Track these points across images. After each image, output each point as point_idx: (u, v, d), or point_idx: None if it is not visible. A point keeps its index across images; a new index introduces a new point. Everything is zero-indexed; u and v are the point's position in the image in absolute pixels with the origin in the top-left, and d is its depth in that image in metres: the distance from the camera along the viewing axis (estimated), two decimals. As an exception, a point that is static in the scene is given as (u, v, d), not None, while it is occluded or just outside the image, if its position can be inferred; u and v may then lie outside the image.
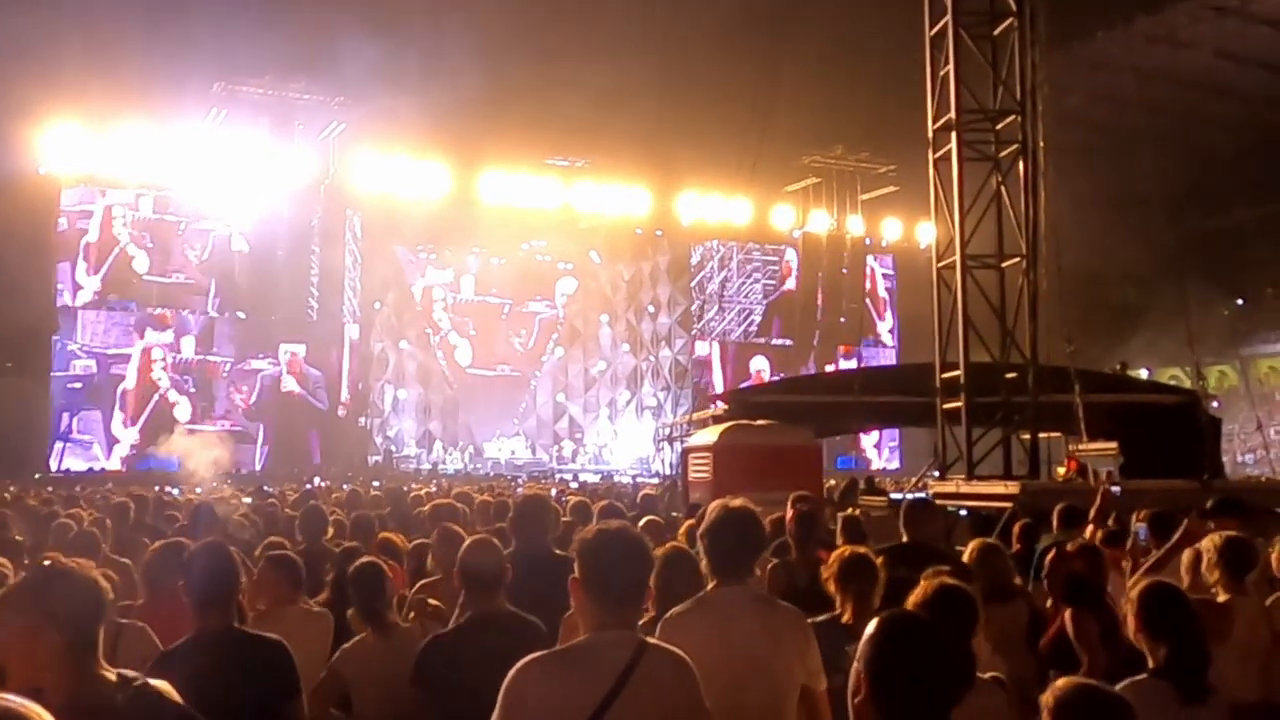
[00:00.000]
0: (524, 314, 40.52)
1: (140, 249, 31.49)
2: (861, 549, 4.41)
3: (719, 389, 36.77)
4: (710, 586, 3.69)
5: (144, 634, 4.87)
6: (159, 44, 26.69)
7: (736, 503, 3.77)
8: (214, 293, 32.35)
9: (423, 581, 5.65)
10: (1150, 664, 3.66)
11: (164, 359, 31.32)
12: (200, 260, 32.30)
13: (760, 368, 39.79)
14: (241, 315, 32.50)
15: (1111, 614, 5.23)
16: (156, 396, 31.07)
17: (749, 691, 3.49)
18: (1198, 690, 3.49)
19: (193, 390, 31.70)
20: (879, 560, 4.36)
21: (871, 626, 2.42)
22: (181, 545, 6.09)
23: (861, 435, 38.76)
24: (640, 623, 3.31)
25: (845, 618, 4.13)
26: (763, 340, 41.08)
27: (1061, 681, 2.76)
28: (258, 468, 30.61)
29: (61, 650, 2.49)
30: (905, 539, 5.97)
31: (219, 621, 3.65)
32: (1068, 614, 5.21)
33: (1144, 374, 32.44)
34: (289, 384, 32.60)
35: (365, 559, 4.94)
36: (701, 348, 40.48)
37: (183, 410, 31.32)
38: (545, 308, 41.02)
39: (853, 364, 38.94)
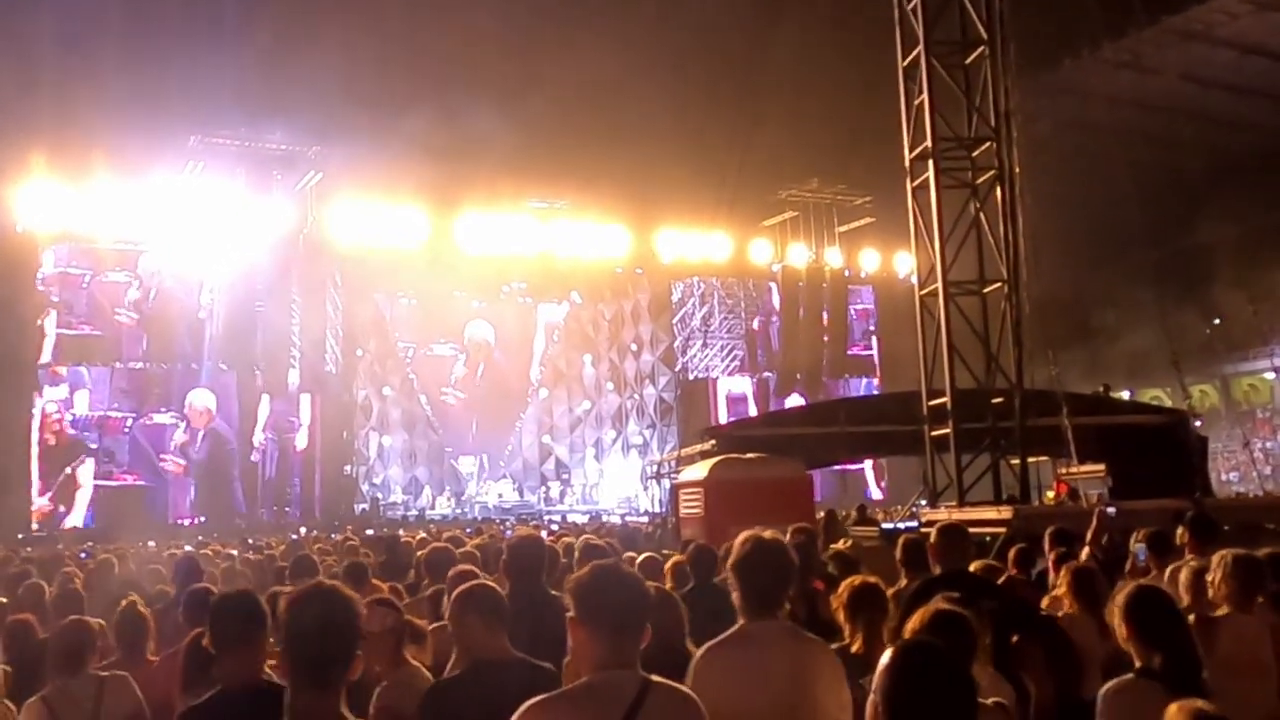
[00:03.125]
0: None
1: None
2: (872, 578, 4.35)
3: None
4: (742, 621, 3.62)
5: (126, 684, 4.78)
6: (135, 98, 26.74)
7: (768, 534, 3.70)
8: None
9: (434, 625, 5.48)
10: (1137, 664, 3.66)
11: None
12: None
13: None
14: (224, 367, 32.19)
15: (1058, 635, 5.15)
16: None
17: None
18: (1192, 693, 3.44)
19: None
20: (892, 592, 4.30)
21: (887, 656, 2.35)
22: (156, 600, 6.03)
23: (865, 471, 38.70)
24: None
25: (855, 647, 4.08)
26: (748, 375, 41.13)
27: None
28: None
29: None
30: (939, 570, 5.86)
31: (247, 674, 3.52)
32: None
33: (1126, 395, 32.58)
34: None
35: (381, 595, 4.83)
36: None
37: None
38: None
39: (837, 395, 38.98)
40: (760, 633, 3.55)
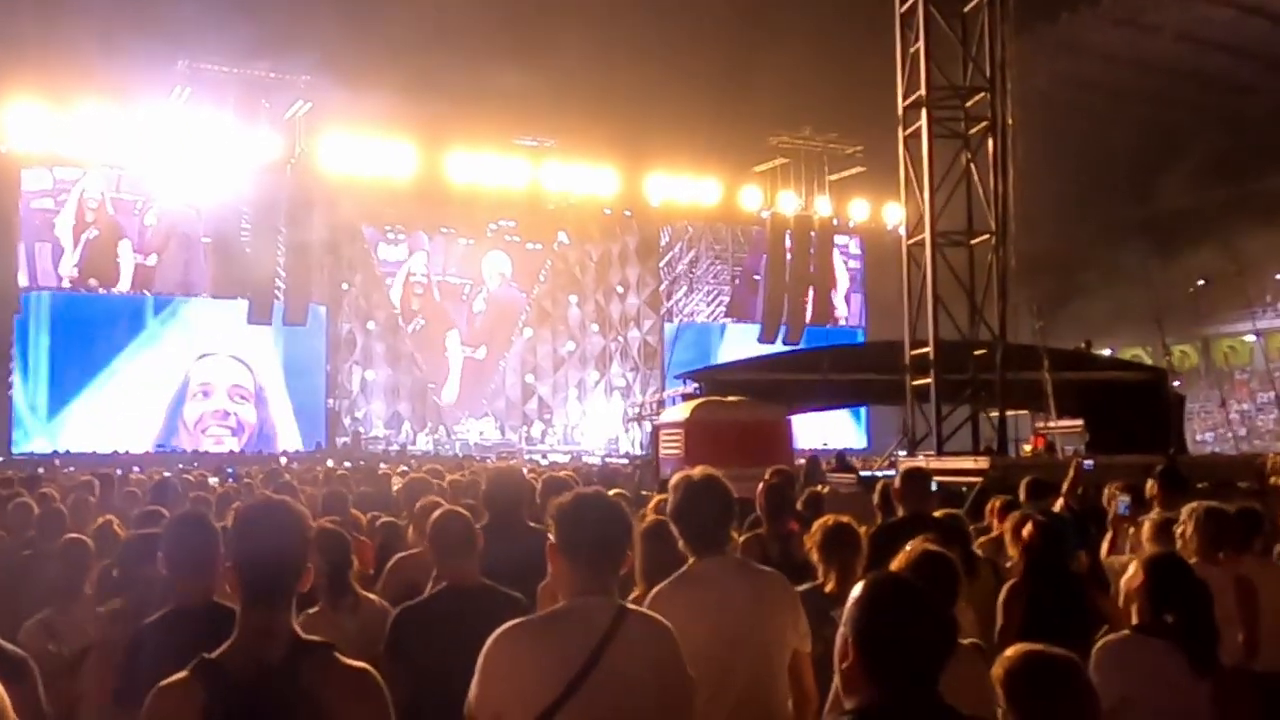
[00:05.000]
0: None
1: (107, 230, 31.43)
2: (845, 518, 4.38)
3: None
4: (690, 562, 3.61)
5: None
6: (121, 20, 26.18)
7: (698, 472, 3.67)
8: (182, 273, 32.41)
9: (401, 555, 5.57)
10: (1136, 620, 3.62)
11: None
12: (159, 241, 32.21)
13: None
14: (209, 297, 32.29)
15: (1072, 586, 5.12)
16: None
17: (741, 658, 3.45)
18: (1210, 663, 3.45)
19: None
20: (864, 533, 4.33)
21: (858, 589, 2.34)
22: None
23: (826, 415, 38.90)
24: (632, 598, 3.26)
25: (828, 587, 4.11)
26: (731, 320, 41.19)
27: (1010, 650, 2.75)
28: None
29: None
30: (902, 512, 5.94)
31: (199, 595, 3.55)
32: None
33: (1107, 353, 32.76)
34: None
35: (327, 525, 4.84)
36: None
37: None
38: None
39: (821, 343, 39.02)
40: (708, 569, 3.56)
